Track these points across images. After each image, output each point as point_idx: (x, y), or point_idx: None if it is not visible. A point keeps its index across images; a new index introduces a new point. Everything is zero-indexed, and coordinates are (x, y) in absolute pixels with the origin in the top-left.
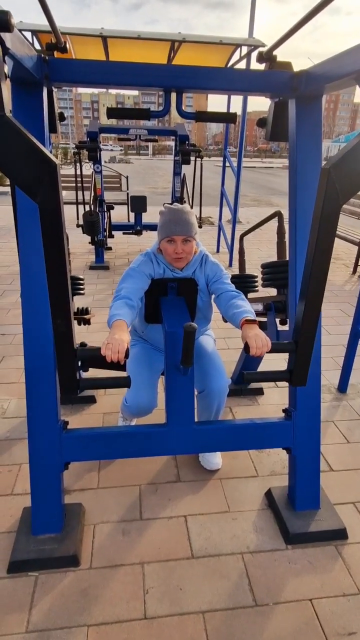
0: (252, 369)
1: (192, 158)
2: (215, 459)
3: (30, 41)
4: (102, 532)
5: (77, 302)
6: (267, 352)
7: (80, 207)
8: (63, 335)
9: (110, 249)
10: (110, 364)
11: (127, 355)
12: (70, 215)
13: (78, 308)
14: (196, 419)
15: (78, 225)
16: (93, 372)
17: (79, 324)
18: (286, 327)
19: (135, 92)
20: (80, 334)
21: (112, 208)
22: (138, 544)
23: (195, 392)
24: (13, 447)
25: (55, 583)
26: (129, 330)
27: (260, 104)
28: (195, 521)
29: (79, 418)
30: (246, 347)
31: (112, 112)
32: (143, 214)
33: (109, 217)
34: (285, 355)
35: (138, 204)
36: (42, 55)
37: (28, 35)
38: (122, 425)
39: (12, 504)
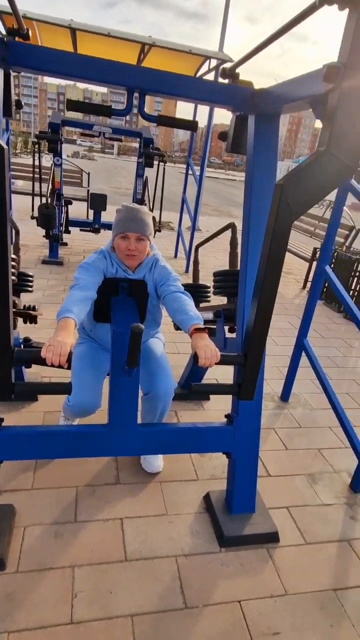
0: (199, 375)
1: (156, 162)
2: (156, 462)
3: None
4: (32, 535)
5: (25, 299)
6: (215, 364)
7: (37, 199)
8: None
9: (65, 244)
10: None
11: (69, 359)
12: (26, 206)
13: (25, 305)
14: (139, 421)
15: (33, 217)
16: (37, 369)
17: (25, 321)
18: (234, 335)
19: (104, 90)
20: (28, 329)
21: (70, 203)
22: (70, 547)
23: (141, 394)
24: None
25: None
26: (77, 328)
27: (228, 118)
28: (131, 524)
29: (17, 416)
30: (195, 357)
31: (72, 105)
32: (102, 212)
33: (67, 212)
34: None
35: (98, 202)
36: (1, 37)
37: None
38: (63, 424)
39: None
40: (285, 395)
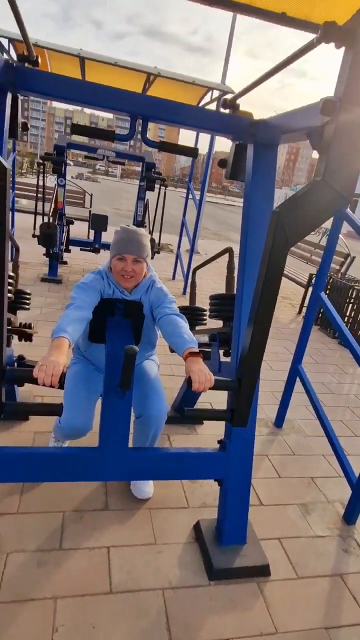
0: (193, 399)
1: (157, 186)
2: (146, 488)
3: (7, 48)
4: (15, 562)
5: (22, 316)
6: (209, 389)
7: (40, 217)
8: None
9: (65, 263)
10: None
11: (61, 380)
12: (28, 224)
13: (20, 323)
14: (131, 444)
15: (34, 236)
16: (30, 387)
17: (20, 339)
18: (229, 359)
19: (109, 115)
20: (23, 346)
21: (72, 223)
22: (54, 576)
23: (133, 417)
24: None
25: None
26: (72, 347)
27: (228, 146)
28: (118, 553)
29: (6, 437)
30: (189, 381)
31: (76, 128)
32: (103, 233)
33: (68, 231)
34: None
35: (99, 222)
36: (10, 62)
37: (5, 42)
38: (53, 446)
39: None
40: (279, 421)
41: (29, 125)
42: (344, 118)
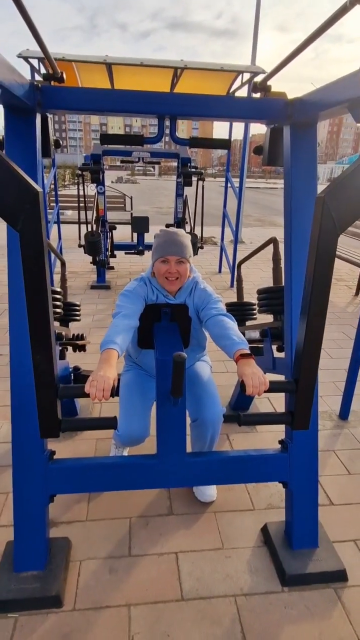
0: (248, 400)
1: (195, 179)
2: (209, 491)
3: (37, 67)
4: (88, 570)
5: (75, 327)
6: (265, 392)
7: (83, 226)
8: (43, 373)
9: (112, 268)
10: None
11: (113, 394)
12: (73, 234)
13: (73, 334)
14: (190, 448)
15: (80, 245)
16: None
17: (74, 350)
18: (282, 355)
19: None
20: (78, 357)
21: (115, 228)
22: (125, 583)
23: (189, 421)
24: (2, 474)
25: (36, 626)
26: (124, 355)
27: (264, 128)
28: (186, 559)
29: (71, 444)
30: (242, 386)
31: (105, 139)
32: (145, 234)
33: (112, 238)
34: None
35: (140, 224)
36: (35, 83)
37: (35, 62)
38: (114, 453)
39: None
40: (344, 413)
41: (60, 142)
42: None
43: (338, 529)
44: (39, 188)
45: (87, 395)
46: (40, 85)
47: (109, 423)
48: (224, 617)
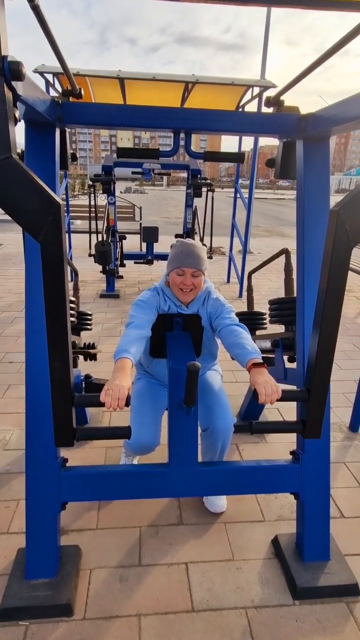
0: (258, 409)
1: (205, 190)
2: (219, 501)
3: (52, 82)
4: (98, 578)
5: (85, 335)
6: (277, 401)
7: (94, 236)
8: (60, 381)
9: (121, 277)
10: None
11: (127, 403)
12: (84, 244)
13: (85, 343)
14: (200, 458)
15: (90, 255)
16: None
17: (85, 359)
18: (294, 365)
19: None
20: (89, 365)
21: (124, 238)
22: (136, 592)
23: (199, 430)
24: (12, 480)
25: (46, 635)
26: (135, 364)
27: (274, 140)
28: (197, 569)
29: (81, 452)
30: (255, 394)
31: (122, 152)
32: (155, 244)
33: (121, 247)
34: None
35: (150, 234)
36: (55, 99)
37: (50, 76)
38: (124, 462)
39: (7, 543)
40: (354, 425)
41: (77, 155)
42: None
43: (350, 542)
44: (61, 200)
45: (103, 405)
46: (60, 101)
47: (123, 432)
48: (234, 629)
